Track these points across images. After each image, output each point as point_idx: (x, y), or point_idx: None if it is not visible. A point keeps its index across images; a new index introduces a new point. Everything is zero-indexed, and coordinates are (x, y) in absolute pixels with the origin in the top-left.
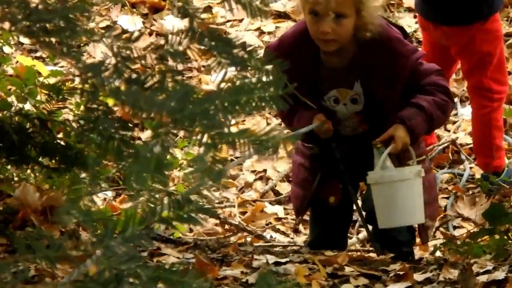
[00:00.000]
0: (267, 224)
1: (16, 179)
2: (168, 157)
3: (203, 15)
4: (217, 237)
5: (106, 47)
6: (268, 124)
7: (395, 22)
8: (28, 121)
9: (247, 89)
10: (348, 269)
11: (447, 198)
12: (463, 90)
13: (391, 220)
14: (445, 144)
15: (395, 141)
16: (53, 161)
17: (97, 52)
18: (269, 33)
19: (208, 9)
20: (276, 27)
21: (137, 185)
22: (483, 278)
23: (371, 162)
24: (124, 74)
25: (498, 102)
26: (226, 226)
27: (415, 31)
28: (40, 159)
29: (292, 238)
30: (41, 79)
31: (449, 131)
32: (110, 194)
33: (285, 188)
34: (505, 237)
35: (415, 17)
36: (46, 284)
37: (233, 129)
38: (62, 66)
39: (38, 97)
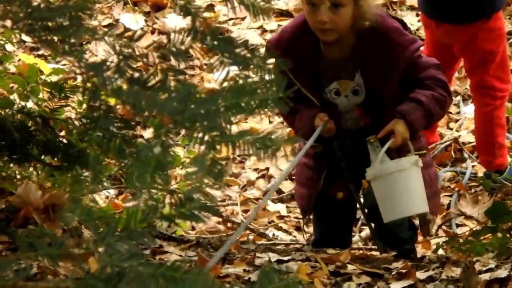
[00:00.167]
0: (269, 222)
1: (18, 177)
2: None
3: (205, 14)
4: (220, 235)
5: (108, 46)
6: (270, 122)
7: None
8: (30, 119)
9: (248, 89)
10: (350, 267)
11: (450, 196)
12: (466, 88)
13: (395, 212)
14: (448, 143)
15: (394, 135)
16: (55, 159)
17: (99, 50)
18: (272, 31)
19: (210, 7)
20: (279, 26)
21: (138, 184)
22: (485, 276)
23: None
24: (126, 72)
25: (500, 100)
26: (229, 224)
27: (417, 30)
28: (42, 157)
29: (294, 236)
30: (43, 77)
31: (451, 129)
32: (112, 192)
33: (287, 186)
34: (508, 235)
35: (417, 15)
36: (48, 281)
37: (235, 128)
38: (64, 64)
39: (40, 95)
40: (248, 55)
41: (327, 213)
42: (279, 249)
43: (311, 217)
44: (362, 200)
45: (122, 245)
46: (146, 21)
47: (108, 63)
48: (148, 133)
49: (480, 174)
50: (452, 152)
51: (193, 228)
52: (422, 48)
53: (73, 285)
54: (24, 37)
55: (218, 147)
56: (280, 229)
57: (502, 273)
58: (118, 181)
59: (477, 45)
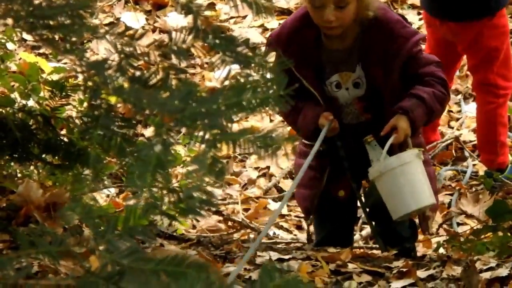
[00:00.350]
0: None
1: (19, 175)
2: (171, 154)
3: (206, 12)
4: (220, 233)
5: (109, 44)
6: (271, 121)
7: None
8: (31, 117)
9: (250, 88)
10: (351, 266)
11: (451, 195)
12: (467, 87)
13: (403, 206)
14: (449, 141)
15: (397, 131)
16: (56, 157)
17: (100, 49)
18: (273, 30)
19: (211, 6)
20: (279, 24)
21: (139, 182)
22: (486, 275)
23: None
24: (127, 71)
25: (503, 98)
26: (229, 223)
27: (418, 28)
28: (43, 155)
29: (295, 235)
30: (44, 75)
31: (452, 128)
32: (113, 190)
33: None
34: (509, 234)
35: (419, 14)
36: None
37: (236, 126)
38: (65, 63)
39: (41, 94)
40: (250, 53)
41: (329, 213)
42: (280, 248)
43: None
44: (363, 199)
45: (123, 242)
46: (147, 19)
47: (109, 62)
48: (149, 132)
49: (481, 172)
50: (453, 151)
51: (194, 227)
52: (423, 42)
53: (74, 283)
54: (25, 35)
55: (219, 145)
56: (281, 228)
57: (503, 272)
58: (118, 179)
59: (482, 42)
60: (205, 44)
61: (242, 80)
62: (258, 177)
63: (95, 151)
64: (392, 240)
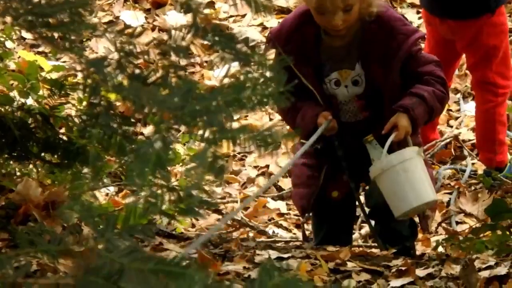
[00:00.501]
0: (269, 220)
1: (18, 174)
2: (170, 152)
3: (206, 11)
4: (220, 232)
5: (108, 42)
6: (270, 119)
7: None
8: (30, 116)
9: (249, 85)
10: (350, 265)
11: (450, 193)
12: (466, 85)
13: (405, 203)
14: (448, 140)
15: (398, 129)
16: (55, 156)
17: (99, 47)
18: (272, 28)
19: (210, 4)
20: (279, 23)
21: (138, 181)
22: (485, 274)
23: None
24: (126, 69)
25: (502, 96)
26: (229, 222)
27: (418, 27)
28: (42, 154)
29: (294, 234)
30: (43, 74)
31: (451, 127)
32: (112, 189)
33: (287, 184)
34: (507, 232)
35: (418, 12)
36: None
37: (235, 124)
38: (64, 61)
39: (40, 92)
40: (249, 51)
41: (327, 215)
42: (279, 247)
43: (310, 219)
44: (362, 200)
45: (122, 241)
46: (146, 18)
47: (108, 60)
48: (148, 130)
49: (480, 171)
50: (452, 150)
51: (193, 226)
52: (423, 40)
53: (73, 282)
54: (24, 33)
55: (218, 143)
56: (280, 226)
57: (502, 270)
58: (118, 178)
59: (481, 41)
60: (205, 42)
61: (241, 78)
62: (258, 176)
63: (94, 149)
64: (392, 239)
